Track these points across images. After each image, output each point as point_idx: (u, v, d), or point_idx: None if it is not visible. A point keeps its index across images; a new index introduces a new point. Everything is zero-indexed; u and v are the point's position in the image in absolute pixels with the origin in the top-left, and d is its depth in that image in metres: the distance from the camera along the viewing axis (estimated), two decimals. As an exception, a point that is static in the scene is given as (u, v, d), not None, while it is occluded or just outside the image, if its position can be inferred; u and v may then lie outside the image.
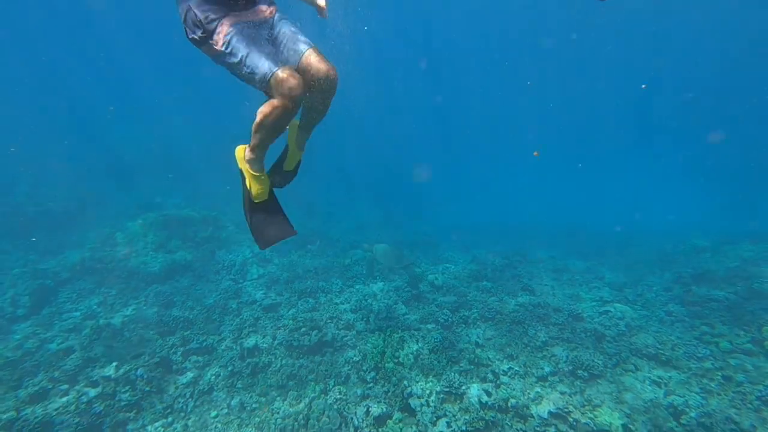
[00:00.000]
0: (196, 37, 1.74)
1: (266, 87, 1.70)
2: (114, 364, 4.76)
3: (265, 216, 2.06)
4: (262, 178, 1.98)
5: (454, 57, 28.15)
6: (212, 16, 1.72)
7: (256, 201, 2.00)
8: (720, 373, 4.64)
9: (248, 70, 1.71)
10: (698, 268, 7.43)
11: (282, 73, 1.66)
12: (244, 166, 1.96)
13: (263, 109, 1.72)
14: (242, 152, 1.96)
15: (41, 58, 24.55)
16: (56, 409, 4.02)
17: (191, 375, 4.88)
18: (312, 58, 1.86)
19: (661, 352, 5.12)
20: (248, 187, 1.97)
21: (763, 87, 23.55)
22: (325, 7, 2.13)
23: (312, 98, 1.97)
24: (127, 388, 4.41)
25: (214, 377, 4.92)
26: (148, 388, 4.46)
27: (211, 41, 1.72)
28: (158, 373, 4.71)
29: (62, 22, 20.85)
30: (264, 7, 1.90)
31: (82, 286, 6.86)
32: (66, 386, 4.37)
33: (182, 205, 10.58)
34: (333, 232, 10.70)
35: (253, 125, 1.80)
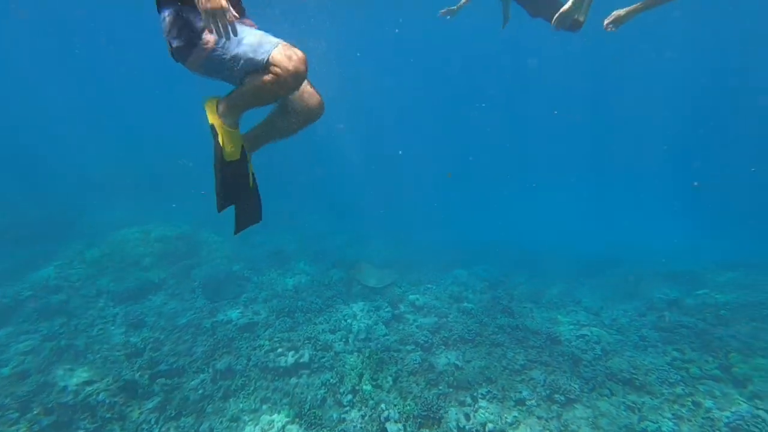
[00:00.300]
0: (182, 42, 1.63)
1: (264, 65, 1.59)
2: (73, 389, 4.47)
3: (235, 178, 1.91)
4: (236, 133, 1.83)
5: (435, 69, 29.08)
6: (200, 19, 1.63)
7: (228, 160, 1.83)
8: (690, 399, 4.73)
9: (243, 54, 1.60)
10: (670, 294, 7.66)
11: (283, 48, 1.58)
12: (216, 121, 1.79)
13: (260, 75, 1.60)
14: (214, 105, 1.81)
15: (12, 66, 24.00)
16: (4, 439, 3.73)
17: (158, 399, 4.64)
18: (306, 85, 1.88)
19: (635, 377, 5.19)
20: (220, 144, 1.80)
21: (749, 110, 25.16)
22: None
23: (291, 120, 1.95)
24: (86, 414, 4.14)
25: (182, 401, 4.69)
26: (109, 415, 4.20)
27: (200, 41, 1.63)
28: (121, 398, 4.45)
29: (36, 32, 20.51)
30: (251, 22, 1.90)
31: (44, 305, 6.49)
32: (17, 414, 4.06)
33: (159, 221, 10.30)
34: (315, 249, 10.58)
35: (246, 89, 1.68)
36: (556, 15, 2.97)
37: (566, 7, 2.91)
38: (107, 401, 4.32)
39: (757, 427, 4.08)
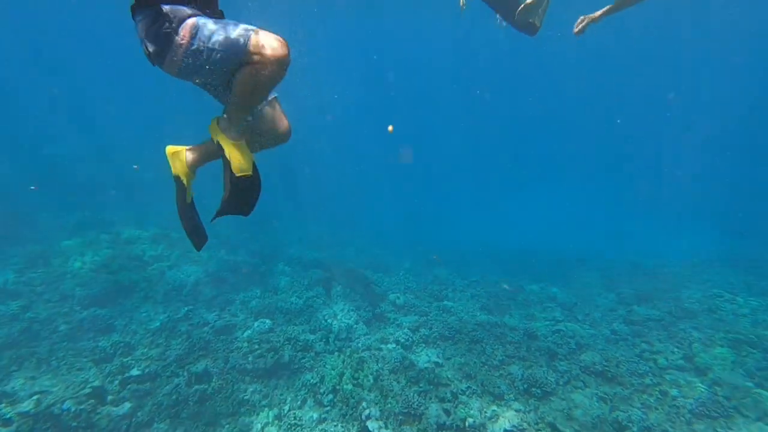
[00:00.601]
0: (158, 44, 1.57)
1: (244, 53, 1.53)
2: (35, 397, 4.21)
3: (245, 192, 1.79)
4: (242, 146, 1.74)
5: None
6: (178, 13, 1.60)
7: (238, 174, 1.72)
8: (658, 389, 4.96)
9: (220, 44, 1.55)
10: (638, 289, 8.03)
11: (259, 34, 1.52)
12: (219, 136, 1.72)
13: (247, 70, 1.55)
14: (215, 124, 1.76)
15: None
16: (-43, 453, 3.47)
17: (129, 406, 4.44)
18: (279, 108, 1.86)
19: (607, 369, 5.40)
20: (228, 158, 1.72)
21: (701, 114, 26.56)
22: None
23: (253, 141, 1.91)
24: (48, 424, 3.90)
25: (155, 407, 4.51)
26: (75, 423, 3.98)
27: (177, 38, 1.57)
28: (89, 406, 4.23)
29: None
30: None
31: (2, 311, 6.08)
32: (-29, 426, 3.80)
33: (129, 222, 9.90)
34: (294, 250, 10.44)
35: (235, 90, 1.62)
36: (521, 7, 3.09)
37: (530, 0, 3.03)
38: (73, 409, 4.09)
39: (717, 412, 4.33)
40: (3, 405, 4.08)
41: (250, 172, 1.75)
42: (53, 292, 6.62)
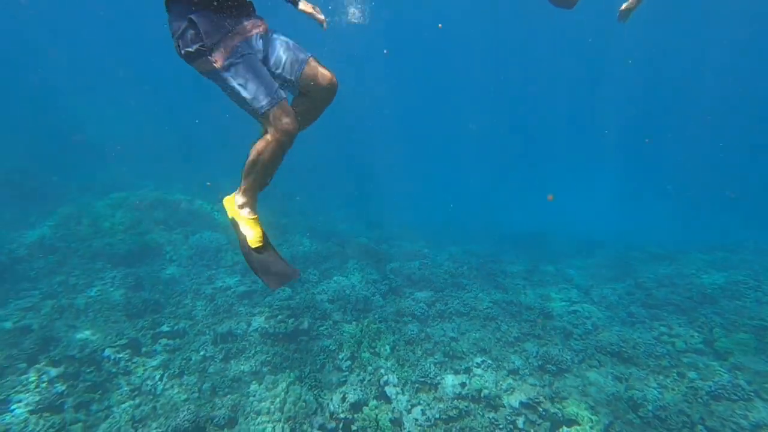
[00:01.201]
0: (191, 50, 1.64)
1: (259, 117, 1.70)
2: (78, 344, 4.51)
3: (269, 257, 1.93)
4: (253, 221, 1.89)
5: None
6: (214, 32, 1.66)
7: (254, 246, 1.88)
8: (675, 371, 4.97)
9: (244, 95, 1.69)
10: (658, 274, 7.92)
11: (279, 109, 1.67)
12: (236, 213, 1.89)
13: (258, 147, 1.71)
14: (232, 201, 1.91)
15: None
16: (13, 388, 3.76)
17: (161, 358, 4.72)
18: (316, 65, 1.89)
19: (624, 350, 5.42)
20: (243, 234, 1.88)
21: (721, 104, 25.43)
22: (324, 21, 2.18)
23: (309, 105, 1.97)
24: (92, 368, 4.19)
25: (185, 361, 4.77)
26: (114, 370, 4.26)
27: (209, 57, 1.65)
28: (126, 355, 4.51)
29: None
30: (259, 22, 1.89)
31: (40, 264, 6.43)
32: (24, 365, 4.10)
33: (152, 187, 10.16)
34: (312, 223, 10.58)
35: (246, 165, 1.77)
36: None
37: None
38: (112, 357, 4.37)
39: (737, 395, 4.33)
40: (51, 348, 4.39)
41: (260, 244, 1.89)
42: (86, 249, 6.93)
